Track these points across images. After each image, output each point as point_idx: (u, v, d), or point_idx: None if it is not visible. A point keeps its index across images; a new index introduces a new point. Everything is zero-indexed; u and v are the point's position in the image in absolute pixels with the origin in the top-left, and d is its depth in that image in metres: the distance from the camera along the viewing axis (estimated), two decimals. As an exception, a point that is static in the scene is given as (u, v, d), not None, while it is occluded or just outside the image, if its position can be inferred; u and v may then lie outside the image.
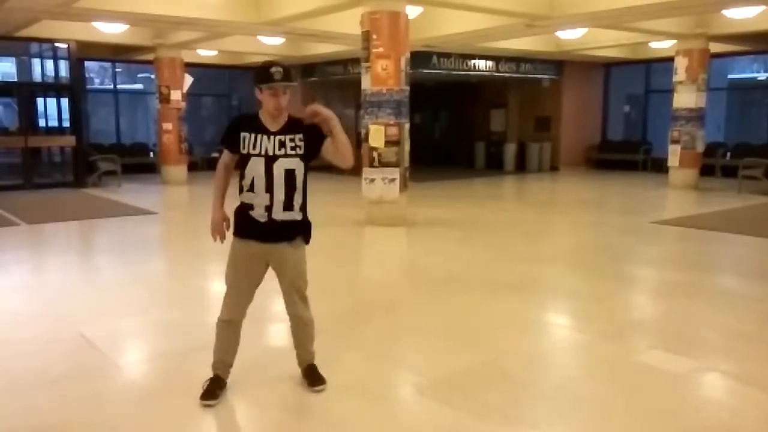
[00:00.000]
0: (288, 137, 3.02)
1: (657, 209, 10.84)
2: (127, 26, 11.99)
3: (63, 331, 4.41)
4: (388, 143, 8.54)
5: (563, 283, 6.10)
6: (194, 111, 17.58)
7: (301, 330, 3.35)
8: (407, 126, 8.76)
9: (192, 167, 15.45)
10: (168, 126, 14.40)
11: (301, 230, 3.19)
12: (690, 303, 5.27)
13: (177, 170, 14.51)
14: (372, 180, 8.64)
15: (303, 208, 3.15)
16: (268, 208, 3.05)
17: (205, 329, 4.61)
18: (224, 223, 3.25)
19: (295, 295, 3.27)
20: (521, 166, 17.57)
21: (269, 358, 3.99)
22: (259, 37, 13.37)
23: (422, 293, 5.52)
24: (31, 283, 6.11)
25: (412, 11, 9.47)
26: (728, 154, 15.60)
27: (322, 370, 3.41)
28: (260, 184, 3.02)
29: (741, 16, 10.72)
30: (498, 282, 5.87)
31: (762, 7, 10.23)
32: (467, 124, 19.71)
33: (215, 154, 17.78)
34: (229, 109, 19.31)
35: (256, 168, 3.01)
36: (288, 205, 3.07)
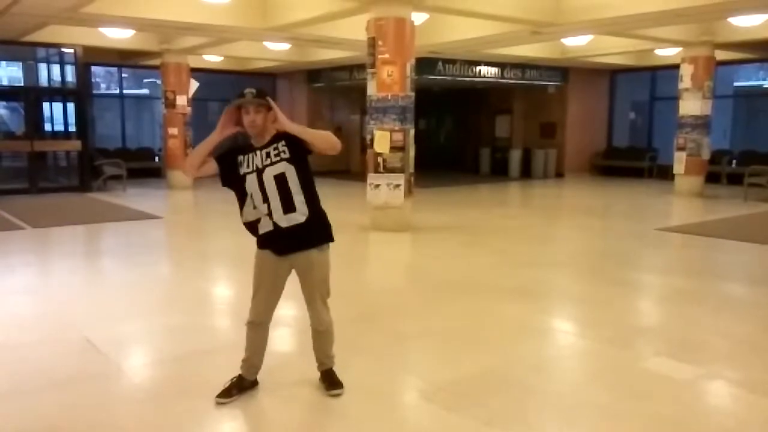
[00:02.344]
0: (272, 147, 3.20)
1: (662, 216, 10.82)
2: (134, 31, 12.05)
3: (68, 335, 4.42)
4: (393, 149, 8.55)
5: (568, 289, 6.09)
6: (200, 116, 17.63)
7: (322, 335, 3.41)
8: (412, 132, 8.77)
9: (197, 172, 15.46)
10: (173, 131, 14.45)
11: (315, 231, 3.27)
12: (695, 310, 5.25)
13: (182, 175, 14.53)
14: (377, 186, 8.65)
15: (310, 208, 3.23)
16: (270, 216, 3.19)
17: (209, 333, 4.64)
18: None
19: (318, 300, 3.34)
20: (526, 173, 17.55)
21: (280, 361, 3.99)
22: (265, 42, 13.42)
23: (427, 299, 5.51)
24: (37, 287, 6.12)
25: (418, 18, 9.49)
26: (734, 161, 15.57)
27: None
28: (257, 197, 3.19)
29: (747, 24, 10.71)
30: (503, 288, 5.86)
31: (767, 15, 10.22)
32: (472, 130, 19.72)
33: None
34: (235, 115, 19.36)
35: (251, 184, 3.19)
36: (288, 207, 3.18)
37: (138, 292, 5.73)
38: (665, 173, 15.01)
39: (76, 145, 13.89)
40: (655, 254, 7.74)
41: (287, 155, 3.19)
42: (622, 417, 3.24)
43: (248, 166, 3.21)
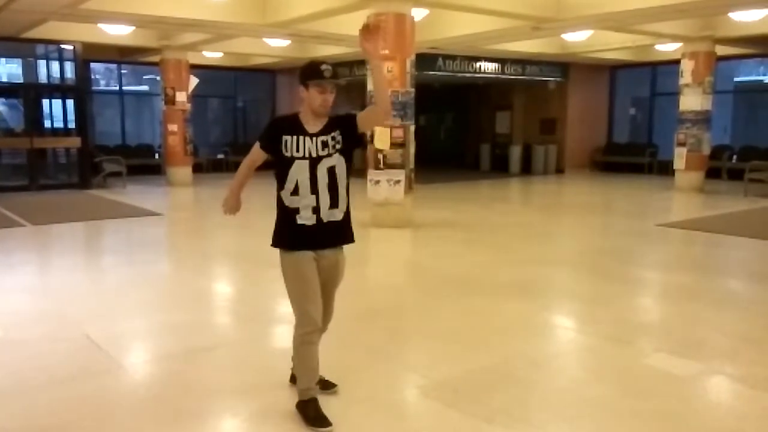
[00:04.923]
0: (329, 136, 3.00)
1: (663, 212, 10.81)
2: (133, 28, 12.02)
3: (68, 332, 4.42)
4: (393, 145, 8.54)
5: (569, 285, 6.09)
6: (200, 113, 17.64)
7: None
8: (412, 128, 8.76)
9: (197, 169, 15.49)
10: (173, 127, 14.44)
11: (347, 229, 3.12)
12: (696, 306, 5.25)
13: (182, 172, 14.54)
14: (377, 182, 8.64)
15: (347, 206, 3.09)
16: (316, 210, 2.99)
17: (210, 330, 4.64)
18: (237, 205, 3.27)
19: (333, 302, 3.25)
20: (527, 169, 17.55)
21: (276, 360, 3.99)
22: (264, 39, 13.39)
23: (428, 295, 5.51)
24: (37, 284, 6.12)
25: (418, 13, 9.47)
26: (734, 157, 15.56)
27: (328, 373, 3.40)
28: (305, 186, 2.97)
29: (747, 19, 10.69)
30: (504, 284, 5.86)
31: (768, 10, 10.20)
32: (473, 126, 19.70)
33: (221, 156, 17.87)
34: (235, 111, 19.36)
35: (300, 171, 2.96)
36: (334, 203, 3.01)
37: (138, 290, 5.73)
38: (665, 169, 15.01)
39: (75, 142, 13.89)
40: (656, 250, 7.74)
41: (341, 145, 3.01)
42: (623, 413, 3.24)
43: (298, 150, 2.96)
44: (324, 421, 3.02)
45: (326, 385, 3.35)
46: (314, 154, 2.96)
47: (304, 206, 2.98)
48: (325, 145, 2.98)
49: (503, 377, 3.69)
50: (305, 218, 2.99)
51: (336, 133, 3.01)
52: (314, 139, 2.98)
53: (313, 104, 2.97)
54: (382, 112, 3.08)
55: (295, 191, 2.98)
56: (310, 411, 3.06)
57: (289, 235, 3.03)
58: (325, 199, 2.98)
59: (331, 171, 2.99)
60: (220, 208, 3.28)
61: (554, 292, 5.87)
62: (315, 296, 3.05)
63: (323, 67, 2.97)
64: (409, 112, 8.64)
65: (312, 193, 2.97)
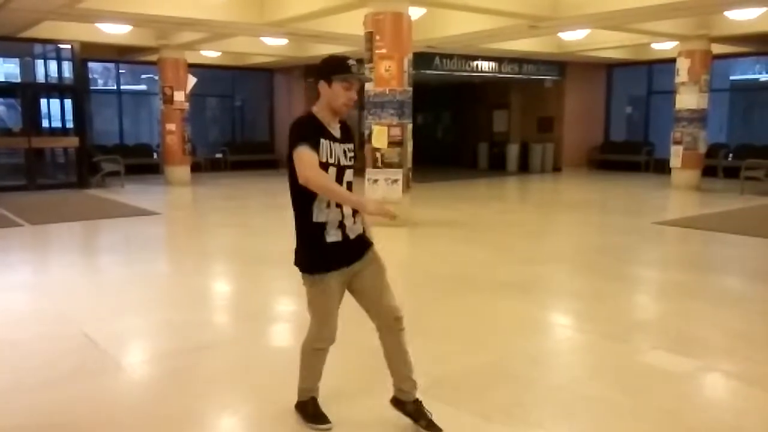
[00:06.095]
0: (347, 146, 2.81)
1: (659, 210, 10.84)
2: (131, 27, 12.02)
3: (67, 331, 4.43)
4: (391, 144, 8.56)
5: (566, 283, 6.11)
6: (198, 112, 17.63)
7: (402, 332, 3.00)
8: (410, 127, 8.77)
9: (195, 168, 15.48)
10: (171, 127, 14.43)
11: (366, 238, 2.94)
12: (692, 303, 5.28)
13: (180, 171, 14.54)
14: (375, 180, 8.66)
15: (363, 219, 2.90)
16: (341, 224, 2.76)
17: (208, 329, 4.65)
18: (380, 204, 2.84)
19: (389, 286, 2.95)
20: (524, 167, 17.58)
21: (269, 358, 4.01)
22: (262, 38, 13.39)
23: (425, 293, 5.53)
24: (35, 283, 6.13)
25: (415, 12, 9.48)
26: (730, 155, 15.60)
27: (326, 372, 3.34)
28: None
29: (743, 18, 10.72)
30: (501, 282, 5.88)
31: (763, 9, 10.23)
32: (470, 125, 19.72)
33: (219, 155, 17.87)
34: (233, 110, 19.35)
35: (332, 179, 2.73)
36: (356, 218, 2.83)
37: (136, 289, 5.74)
38: (662, 167, 15.05)
39: (73, 141, 13.87)
40: (653, 248, 7.76)
41: (354, 160, 2.83)
42: (620, 410, 3.26)
43: (331, 155, 2.72)
44: (323, 419, 3.01)
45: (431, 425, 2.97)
46: (341, 162, 2.76)
47: (331, 220, 2.75)
48: (345, 154, 2.79)
49: (501, 375, 3.71)
50: (332, 234, 2.75)
51: (351, 146, 2.84)
52: (340, 145, 2.77)
53: (336, 101, 2.72)
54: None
55: (328, 203, 2.73)
56: (309, 409, 3.06)
57: (319, 256, 2.78)
58: (348, 212, 2.77)
59: (349, 186, 2.81)
60: (390, 222, 2.89)
61: (552, 290, 5.89)
62: (335, 316, 2.89)
63: (350, 61, 2.74)
64: (407, 110, 8.65)
65: (338, 206, 2.74)
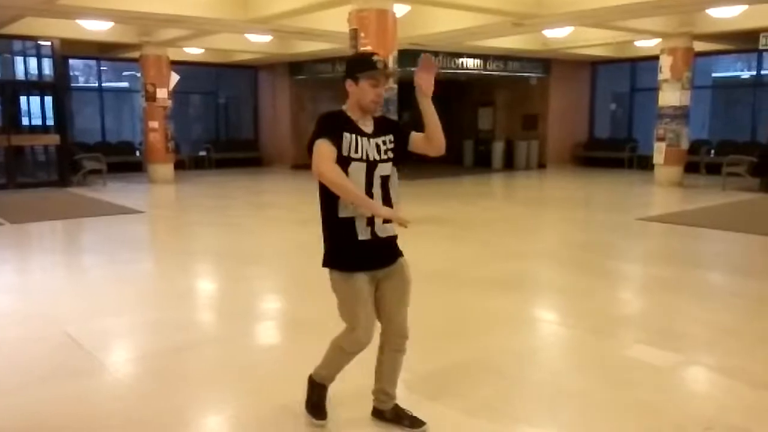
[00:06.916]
0: (382, 140, 2.74)
1: (643, 206, 10.93)
2: (113, 24, 11.90)
3: (49, 331, 4.38)
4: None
5: (551, 279, 6.14)
6: (181, 109, 17.50)
7: (402, 354, 2.95)
8: (395, 124, 8.76)
9: (179, 166, 15.36)
10: (154, 124, 14.32)
11: (397, 245, 2.85)
12: (675, 298, 5.33)
13: (163, 169, 14.44)
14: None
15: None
16: (370, 222, 2.69)
17: (192, 328, 4.61)
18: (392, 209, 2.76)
19: (407, 305, 2.91)
20: (509, 164, 17.64)
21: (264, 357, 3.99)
22: (246, 35, 13.32)
23: (411, 290, 5.52)
24: (16, 283, 6.05)
25: (400, 9, 9.48)
26: (712, 151, 15.76)
27: (310, 367, 3.36)
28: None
29: (725, 15, 10.84)
30: (486, 279, 5.90)
31: (745, 7, 10.34)
32: (455, 123, 19.67)
33: (203, 153, 17.74)
34: (217, 108, 19.23)
35: (356, 175, 2.65)
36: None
37: (120, 288, 5.69)
38: (645, 163, 15.17)
39: (54, 139, 13.72)
40: (636, 244, 7.83)
41: (393, 154, 2.75)
42: (604, 404, 3.28)
43: (356, 150, 2.66)
44: (320, 414, 2.99)
45: (416, 422, 2.99)
46: (371, 158, 2.69)
47: (359, 216, 2.68)
48: (379, 148, 2.72)
49: (485, 370, 3.72)
50: (360, 230, 2.69)
51: (389, 139, 2.77)
52: (370, 140, 2.71)
53: (365, 99, 2.69)
54: (437, 147, 2.80)
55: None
56: (314, 396, 3.02)
57: (350, 253, 2.72)
58: None
59: (385, 180, 2.72)
60: (404, 230, 2.73)
61: (537, 286, 5.92)
62: (371, 316, 2.79)
63: (375, 58, 2.73)
64: (392, 108, 8.64)
65: None
